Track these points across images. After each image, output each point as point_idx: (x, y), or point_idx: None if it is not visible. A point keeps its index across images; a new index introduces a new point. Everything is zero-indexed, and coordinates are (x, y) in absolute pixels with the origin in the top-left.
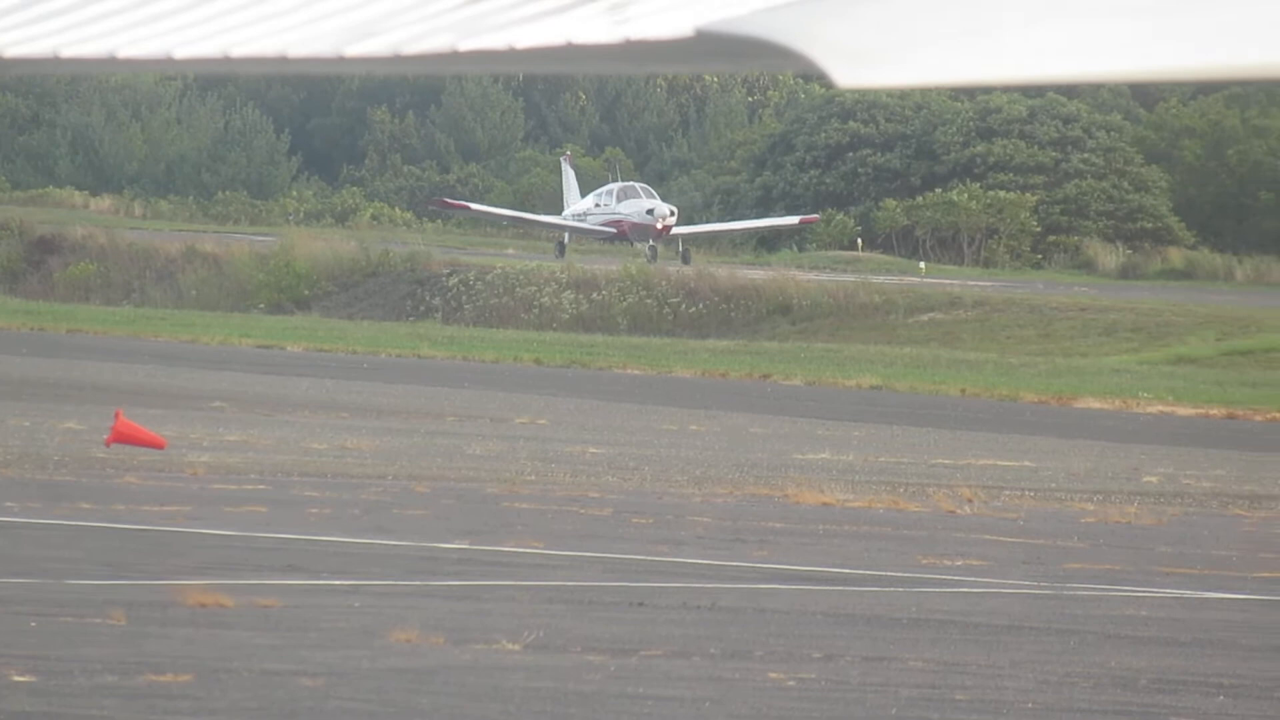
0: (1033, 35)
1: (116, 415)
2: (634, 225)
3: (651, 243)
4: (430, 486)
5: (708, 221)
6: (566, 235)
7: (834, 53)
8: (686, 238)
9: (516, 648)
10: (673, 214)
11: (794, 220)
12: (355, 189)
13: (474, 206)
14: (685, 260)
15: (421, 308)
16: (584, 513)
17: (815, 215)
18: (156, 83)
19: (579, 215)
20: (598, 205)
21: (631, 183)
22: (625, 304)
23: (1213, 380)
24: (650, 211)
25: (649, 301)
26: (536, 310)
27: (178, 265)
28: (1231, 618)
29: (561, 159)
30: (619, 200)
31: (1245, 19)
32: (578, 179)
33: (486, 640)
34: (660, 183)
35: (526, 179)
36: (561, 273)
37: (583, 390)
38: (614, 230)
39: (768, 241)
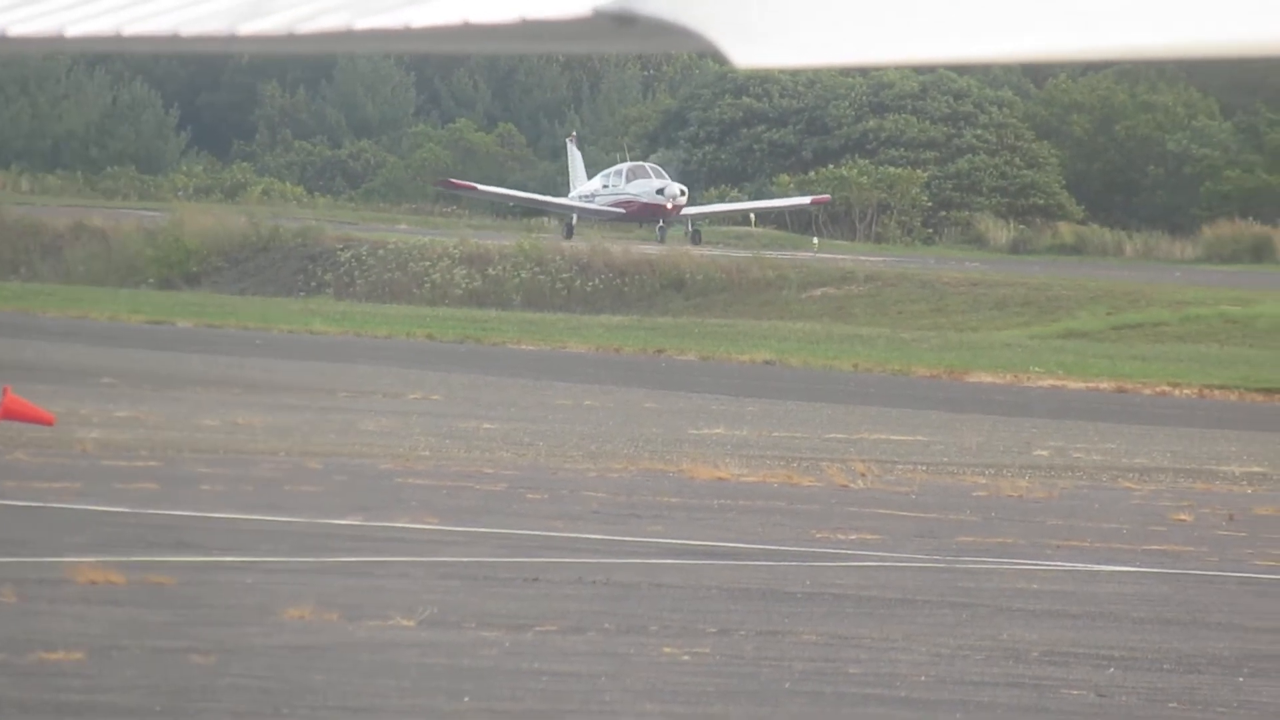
0: (931, 15)
1: (4, 391)
2: (644, 205)
3: (661, 223)
4: (323, 463)
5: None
6: (574, 217)
7: (732, 33)
8: (696, 217)
9: (411, 624)
10: (683, 194)
11: (805, 200)
12: (246, 164)
13: (481, 188)
14: (695, 240)
15: (313, 283)
16: (478, 488)
17: (826, 195)
18: (44, 57)
19: (586, 196)
20: (606, 186)
21: (641, 162)
22: (519, 279)
23: (1102, 354)
24: (661, 191)
25: (543, 277)
26: (429, 286)
27: (66, 241)
28: (1122, 590)
29: (568, 140)
30: (628, 180)
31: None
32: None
33: (381, 616)
34: (555, 159)
35: (419, 154)
36: (454, 248)
37: (476, 366)
38: (623, 211)
39: None
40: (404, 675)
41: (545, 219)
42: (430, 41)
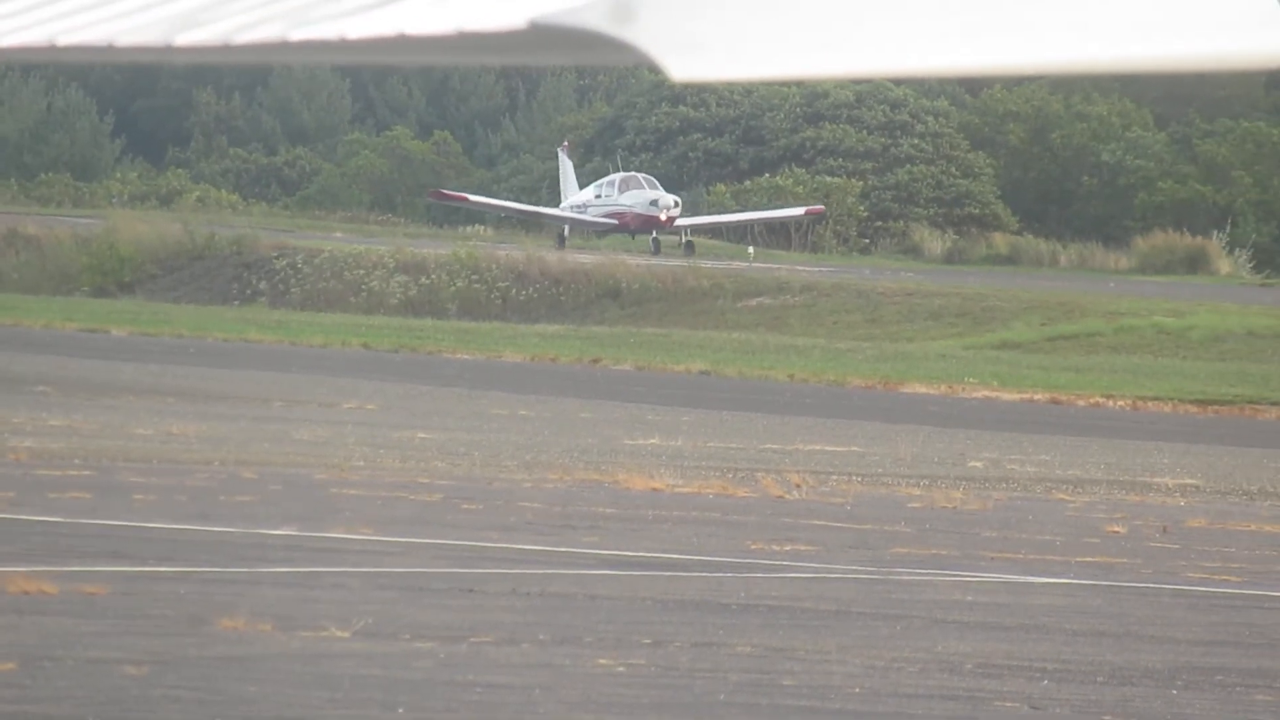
0: (867, 28)
1: None
2: (637, 217)
3: (655, 235)
4: (257, 472)
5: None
6: (566, 228)
7: (668, 46)
8: (690, 229)
9: (345, 635)
10: (677, 205)
11: (799, 211)
12: (181, 171)
13: (472, 199)
14: (689, 252)
15: (248, 291)
16: (413, 498)
17: (820, 206)
18: None
19: (578, 207)
20: (598, 197)
21: (634, 173)
22: (454, 288)
23: (1037, 365)
24: (654, 203)
25: (478, 286)
26: (365, 294)
27: None
28: (1056, 602)
29: (559, 149)
30: (621, 191)
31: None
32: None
33: (315, 627)
34: (491, 167)
35: (354, 162)
36: (390, 256)
37: (412, 375)
38: (615, 222)
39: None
40: (338, 686)
41: (525, 230)
42: (366, 53)
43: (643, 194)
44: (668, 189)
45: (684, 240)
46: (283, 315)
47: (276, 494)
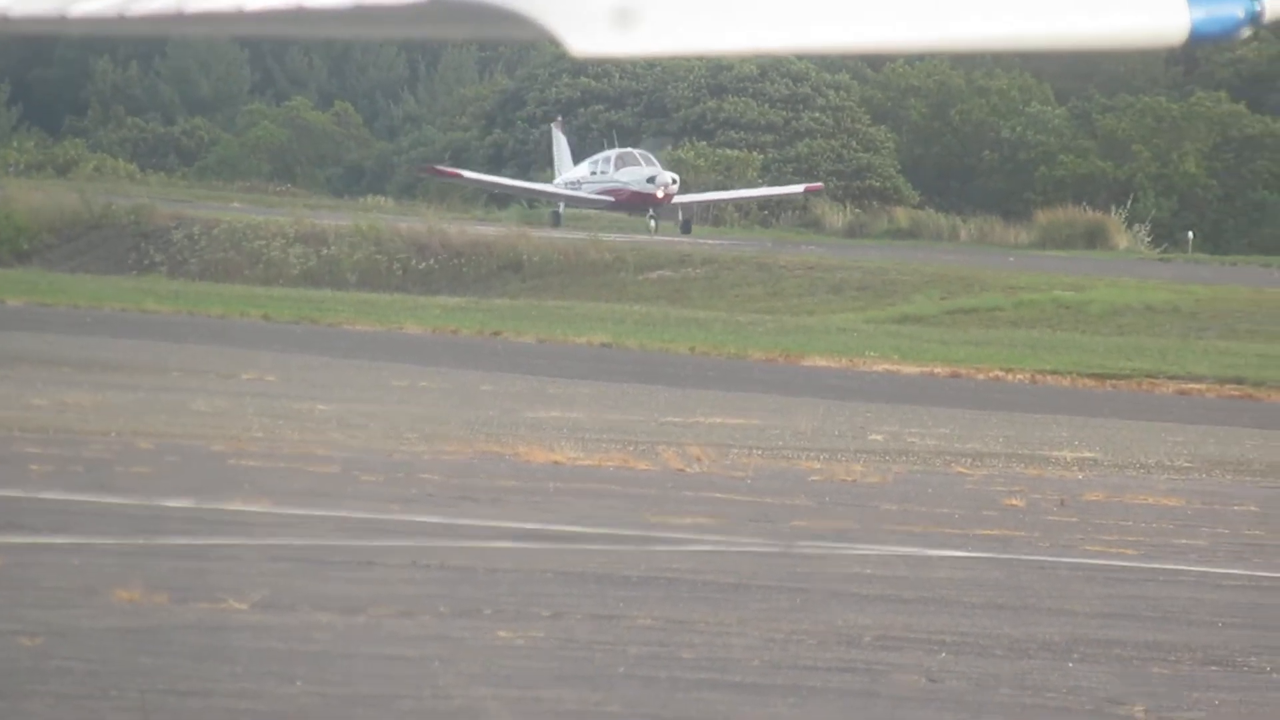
0: (771, 4)
1: None
2: (634, 194)
3: (652, 212)
4: (154, 443)
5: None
6: (561, 205)
7: (568, 21)
8: (688, 206)
9: (243, 606)
10: (675, 182)
11: (799, 189)
12: (77, 140)
13: (466, 175)
14: (686, 229)
15: (146, 261)
16: (312, 470)
17: (819, 184)
18: None
19: (573, 183)
20: (594, 173)
21: (630, 149)
22: (355, 259)
23: (937, 339)
24: (651, 179)
25: (379, 257)
26: (264, 265)
27: None
28: (954, 575)
29: (552, 125)
30: (617, 168)
31: None
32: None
33: (212, 599)
34: (392, 138)
35: (253, 132)
36: (290, 227)
37: (311, 346)
38: (612, 199)
39: (499, 197)
40: (235, 659)
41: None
42: (264, 25)
43: (639, 170)
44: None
45: (681, 219)
46: (181, 285)
47: (173, 465)
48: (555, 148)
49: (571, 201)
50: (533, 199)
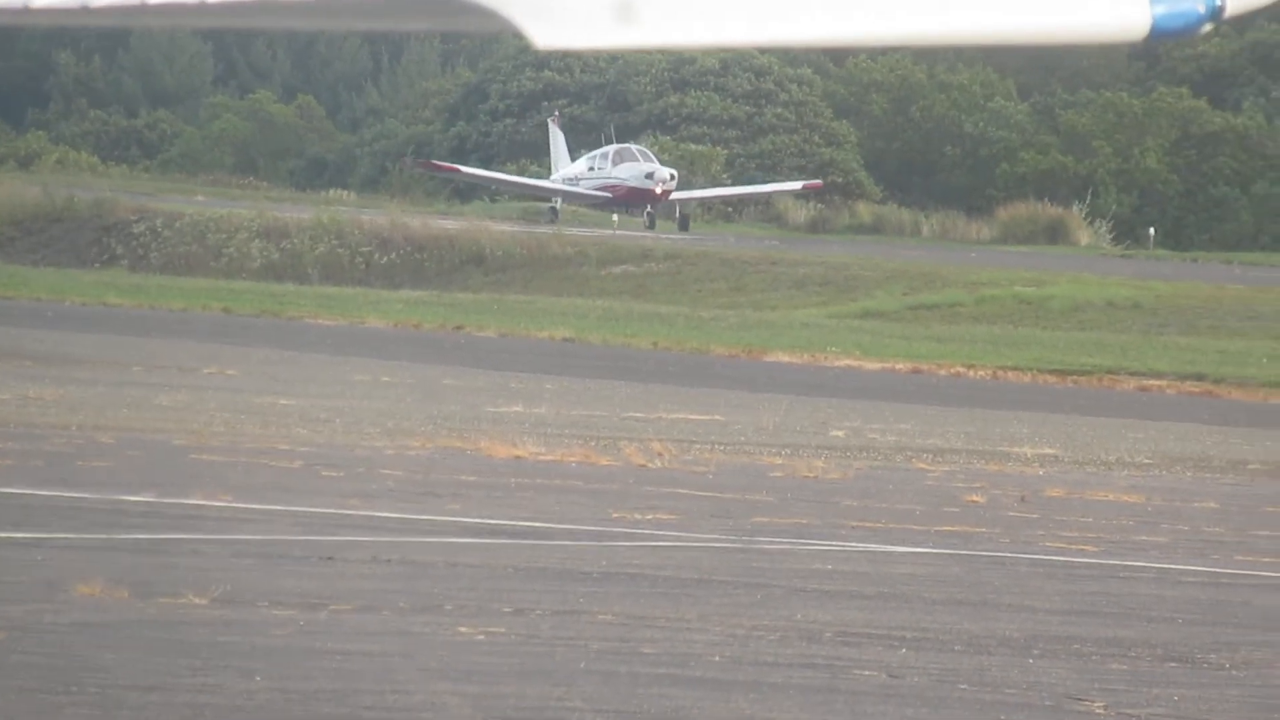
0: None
1: None
2: (632, 190)
3: (650, 208)
4: (116, 437)
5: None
6: (559, 201)
7: (531, 13)
8: (685, 203)
9: (203, 601)
10: (673, 178)
11: (797, 185)
12: (40, 133)
13: (464, 170)
14: (683, 226)
15: (108, 255)
16: (273, 465)
17: (818, 181)
18: None
19: (570, 179)
20: (591, 169)
21: (628, 145)
22: (317, 253)
23: (899, 334)
24: (650, 175)
25: (341, 251)
26: (226, 258)
27: None
28: (915, 571)
29: (549, 120)
30: (615, 164)
31: None
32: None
33: (172, 594)
34: (354, 131)
35: (216, 125)
36: (252, 220)
37: (273, 340)
38: (609, 195)
39: (461, 191)
40: (195, 654)
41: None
42: (228, 17)
43: (637, 166)
44: (532, 156)
45: (679, 215)
46: (142, 279)
47: (135, 460)
48: (552, 143)
49: (569, 198)
50: (511, 193)
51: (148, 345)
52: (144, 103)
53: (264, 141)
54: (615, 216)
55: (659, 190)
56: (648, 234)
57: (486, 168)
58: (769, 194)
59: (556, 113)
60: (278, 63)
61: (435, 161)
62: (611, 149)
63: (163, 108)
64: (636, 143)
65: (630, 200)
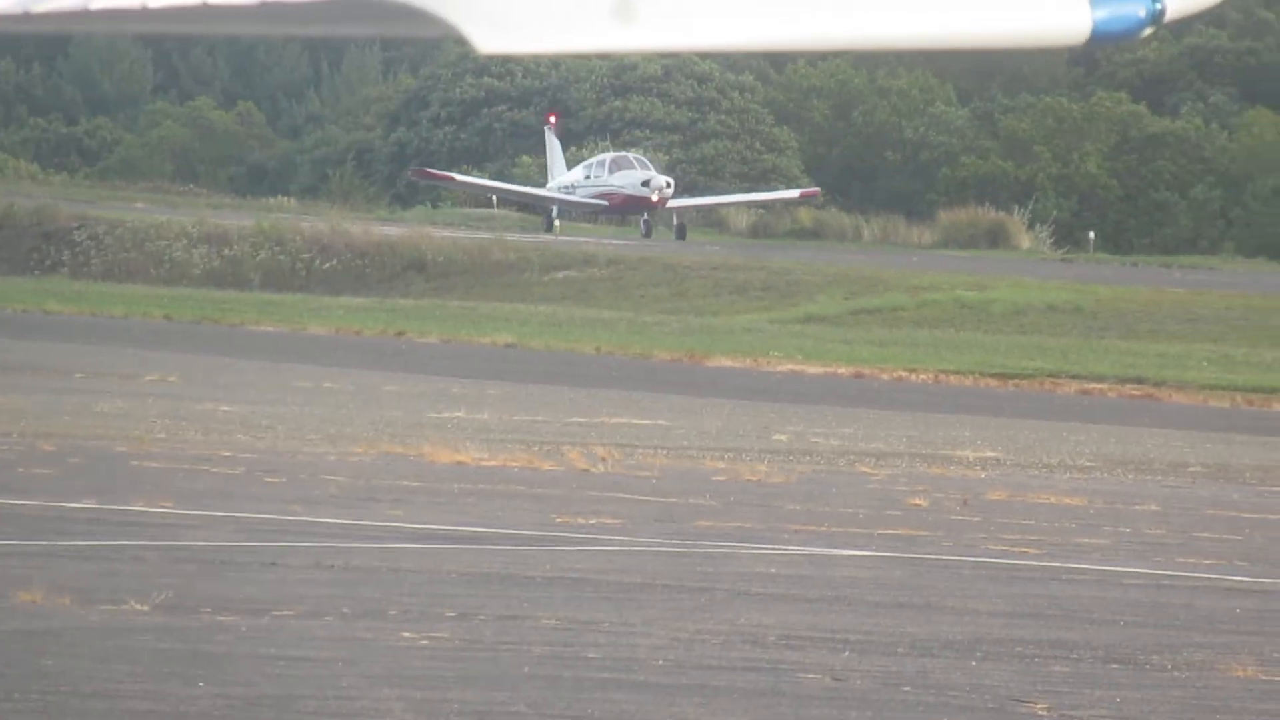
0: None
1: None
2: (628, 198)
3: (646, 216)
4: (57, 445)
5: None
6: (555, 209)
7: (474, 18)
8: (682, 211)
9: (145, 608)
10: (669, 186)
11: (795, 194)
12: None
13: (459, 178)
14: (680, 235)
15: (48, 262)
16: (216, 471)
17: (816, 189)
18: None
19: (566, 187)
20: (588, 177)
21: (625, 153)
22: (258, 259)
23: (840, 339)
24: (646, 183)
25: (282, 257)
26: (167, 265)
27: None
28: (858, 574)
29: (545, 127)
30: (611, 172)
31: None
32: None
33: (114, 601)
34: (295, 138)
35: (156, 132)
36: (193, 227)
37: (214, 347)
38: (605, 203)
39: (402, 197)
40: (138, 660)
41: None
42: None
43: (634, 174)
44: (472, 162)
45: (676, 223)
46: (83, 286)
47: (76, 467)
48: (548, 150)
49: (565, 206)
50: (513, 201)
51: (89, 352)
52: (84, 110)
53: (204, 148)
54: (557, 222)
55: (655, 198)
56: (588, 240)
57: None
58: (770, 201)
59: (553, 120)
60: (217, 70)
61: (430, 170)
62: (608, 156)
63: (102, 115)
64: (578, 148)
65: (627, 208)
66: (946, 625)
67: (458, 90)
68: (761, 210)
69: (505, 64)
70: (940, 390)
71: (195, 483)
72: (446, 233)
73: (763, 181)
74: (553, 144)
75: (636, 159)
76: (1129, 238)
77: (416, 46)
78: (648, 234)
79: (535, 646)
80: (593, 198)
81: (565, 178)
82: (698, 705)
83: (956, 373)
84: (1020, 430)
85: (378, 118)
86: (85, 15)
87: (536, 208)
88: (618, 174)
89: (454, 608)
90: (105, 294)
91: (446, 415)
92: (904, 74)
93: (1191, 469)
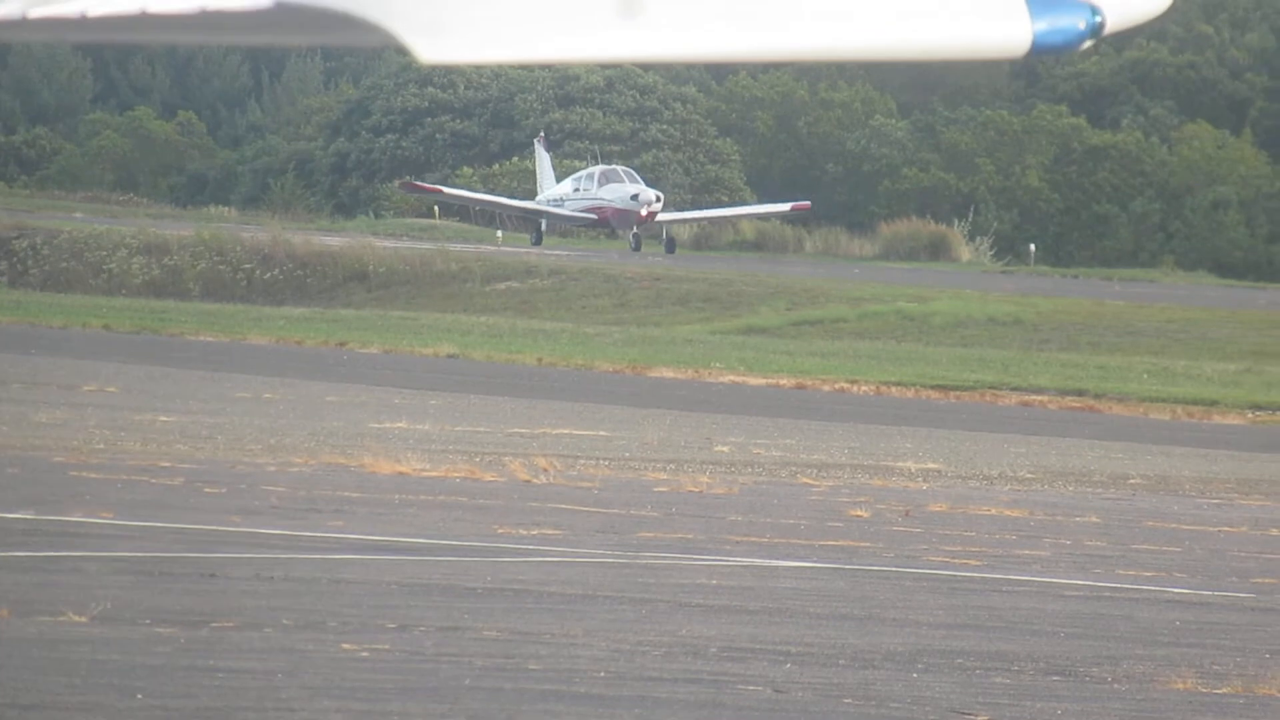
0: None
1: None
2: (617, 211)
3: (635, 230)
4: None
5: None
6: (544, 222)
7: (416, 28)
8: (671, 224)
9: (84, 620)
10: (659, 199)
11: (785, 206)
12: None
13: (447, 190)
14: (669, 248)
15: None
16: (155, 482)
17: (807, 202)
18: None
19: (555, 200)
20: (576, 190)
21: (614, 166)
22: (198, 269)
23: (782, 350)
24: (635, 197)
25: (223, 267)
26: (106, 275)
27: None
28: (800, 586)
29: (535, 141)
30: (600, 185)
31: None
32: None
33: (52, 612)
34: (234, 147)
35: (96, 141)
36: (132, 237)
37: (154, 357)
38: (594, 217)
39: (344, 207)
40: (75, 672)
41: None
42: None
43: (623, 188)
44: (413, 173)
45: (665, 237)
46: (21, 296)
47: (14, 477)
48: (537, 164)
49: (554, 219)
50: (504, 215)
51: (27, 362)
52: (23, 119)
53: (144, 158)
54: (499, 233)
55: (645, 212)
56: (529, 250)
57: (369, 184)
58: (761, 215)
59: (542, 133)
60: (157, 79)
61: (420, 183)
62: (597, 170)
63: (42, 124)
64: (524, 159)
65: (616, 221)
66: (888, 637)
67: (399, 100)
68: (704, 221)
69: (448, 74)
70: (882, 402)
71: (134, 493)
72: (388, 243)
73: (706, 193)
74: (542, 158)
75: (625, 172)
76: (1069, 250)
77: (358, 56)
78: (637, 248)
79: (476, 658)
80: (582, 211)
81: (554, 191)
82: (639, 717)
83: (898, 384)
84: (961, 442)
85: (319, 128)
86: (23, 24)
87: (505, 217)
88: (606, 187)
89: (395, 619)
90: (44, 304)
91: (388, 426)
92: (845, 87)
93: (1132, 481)
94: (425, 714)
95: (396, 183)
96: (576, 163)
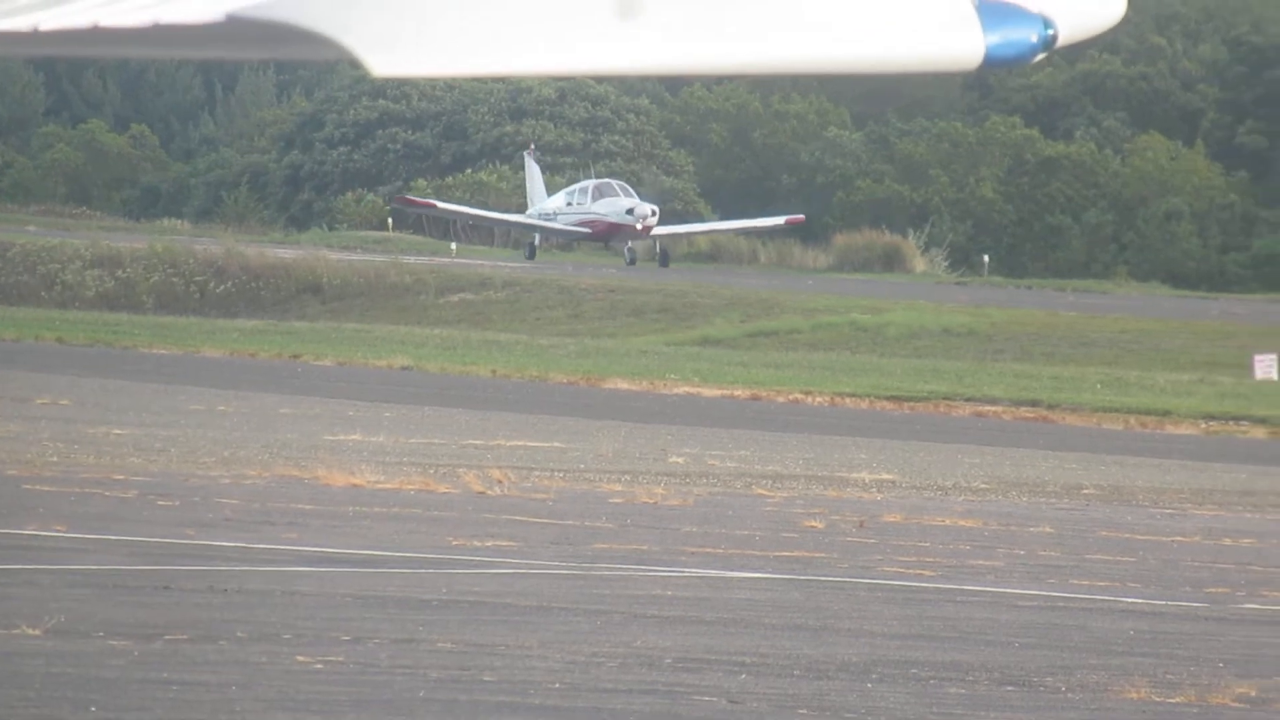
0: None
1: None
2: (612, 225)
3: (630, 244)
4: None
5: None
6: (537, 237)
7: (369, 41)
8: (665, 238)
9: (37, 633)
10: (654, 213)
11: (780, 220)
12: None
13: (440, 205)
14: (663, 262)
15: None
16: (109, 495)
17: (801, 216)
18: None
19: (547, 214)
20: (570, 204)
21: (608, 180)
22: (151, 282)
23: (737, 361)
24: (630, 211)
25: (176, 280)
26: (59, 288)
27: None
28: (755, 596)
29: (525, 153)
30: (594, 199)
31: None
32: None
33: (5, 626)
34: (187, 160)
35: (49, 155)
36: (85, 250)
37: (107, 370)
38: (589, 231)
39: (297, 220)
40: (29, 685)
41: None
42: (60, 45)
43: (617, 201)
44: (366, 185)
45: (658, 250)
46: None
47: None
48: (528, 177)
49: (547, 233)
50: (498, 230)
51: None
52: None
53: (97, 171)
54: (453, 245)
55: (639, 226)
56: (484, 263)
57: (321, 195)
58: (756, 229)
59: (533, 146)
60: (109, 93)
61: (413, 199)
62: (591, 183)
63: None
64: (477, 170)
65: (610, 235)
66: (842, 647)
67: (353, 111)
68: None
69: (402, 87)
70: (836, 413)
71: (88, 506)
72: (342, 255)
73: (659, 203)
74: (533, 170)
75: (620, 186)
76: (1023, 261)
77: (311, 70)
78: (632, 261)
79: (431, 670)
80: (575, 225)
81: (546, 205)
82: None
83: (852, 395)
84: (916, 452)
85: (272, 140)
86: None
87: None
88: (601, 201)
89: (349, 631)
90: None
91: (342, 438)
92: (799, 99)
93: (1085, 491)
94: None
95: (395, 200)
96: (523, 172)
